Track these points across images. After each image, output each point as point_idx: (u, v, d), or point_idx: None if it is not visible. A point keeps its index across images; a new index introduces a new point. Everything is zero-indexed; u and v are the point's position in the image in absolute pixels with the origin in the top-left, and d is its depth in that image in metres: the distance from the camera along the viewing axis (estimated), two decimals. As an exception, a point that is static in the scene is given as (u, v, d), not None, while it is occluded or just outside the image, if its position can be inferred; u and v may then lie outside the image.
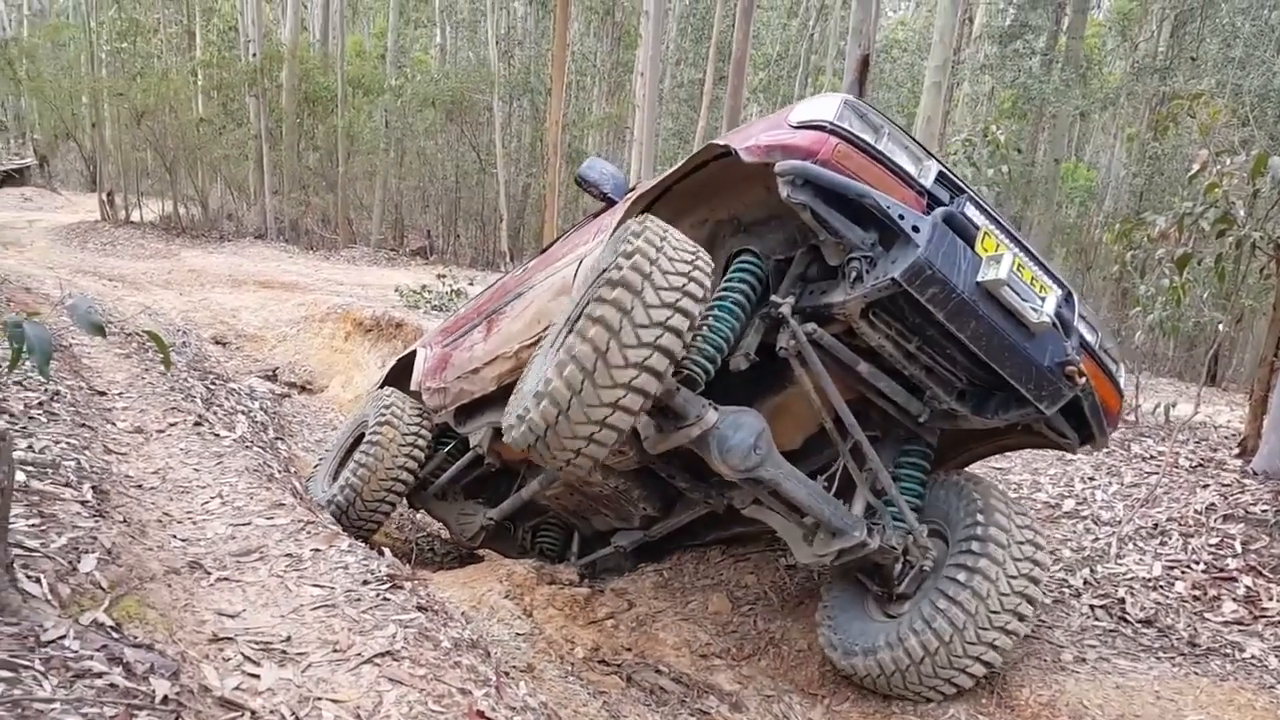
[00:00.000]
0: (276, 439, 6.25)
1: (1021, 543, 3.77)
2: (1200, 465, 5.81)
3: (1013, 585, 3.69)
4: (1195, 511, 5.19)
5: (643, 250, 3.23)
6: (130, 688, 1.98)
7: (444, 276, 14.39)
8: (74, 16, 30.10)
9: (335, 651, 2.59)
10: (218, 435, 4.97)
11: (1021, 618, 3.72)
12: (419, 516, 7.09)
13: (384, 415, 5.85)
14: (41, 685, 1.85)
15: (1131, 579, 4.71)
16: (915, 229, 3.20)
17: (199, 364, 7.25)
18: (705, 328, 3.68)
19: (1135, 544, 5.02)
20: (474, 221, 26.97)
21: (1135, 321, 7.12)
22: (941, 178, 3.53)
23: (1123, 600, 4.55)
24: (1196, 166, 5.71)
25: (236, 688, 2.31)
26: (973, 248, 3.32)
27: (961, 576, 3.73)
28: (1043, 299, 3.39)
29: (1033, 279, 3.42)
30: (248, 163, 24.38)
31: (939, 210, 3.33)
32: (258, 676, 2.39)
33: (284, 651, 2.56)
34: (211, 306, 12.99)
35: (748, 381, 3.94)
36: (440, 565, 6.40)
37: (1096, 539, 5.16)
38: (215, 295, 13.94)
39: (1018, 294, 3.31)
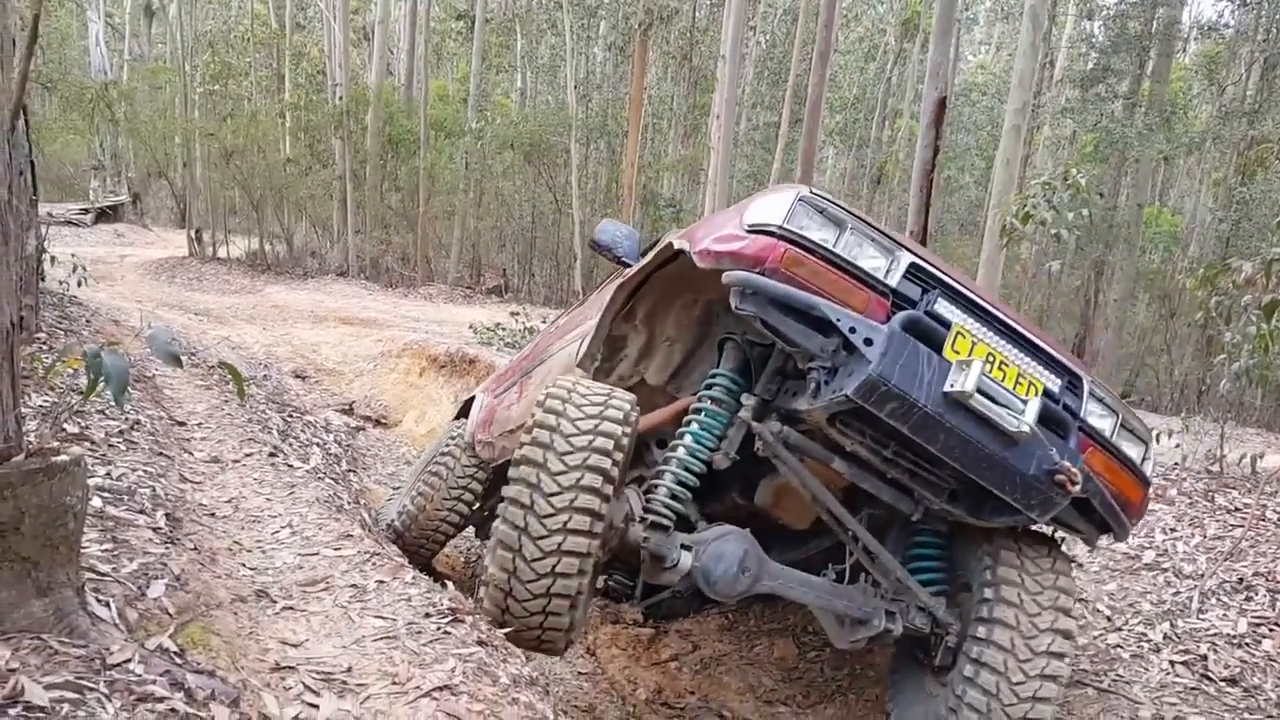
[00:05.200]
0: (349, 471, 6.33)
1: (1037, 593, 3.51)
2: (1289, 519, 5.60)
3: (1033, 646, 3.43)
4: (1283, 567, 4.99)
5: (543, 422, 3.17)
6: (190, 713, 2.00)
7: (518, 314, 14.52)
8: (171, 61, 31.24)
9: (394, 684, 2.60)
10: (291, 466, 5.05)
11: (1046, 698, 3.44)
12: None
13: (446, 447, 5.82)
14: (105, 708, 1.88)
15: (1215, 635, 4.53)
16: (868, 342, 2.99)
17: (278, 396, 7.40)
18: (673, 460, 3.59)
19: (1219, 599, 4.83)
20: (549, 261, 27.33)
21: (1221, 369, 6.89)
22: (913, 271, 3.28)
23: (1205, 657, 4.37)
24: (1285, 211, 5.55)
25: (295, 717, 2.33)
26: (940, 353, 3.07)
27: (975, 652, 3.49)
28: (1025, 402, 3.10)
29: (1019, 377, 3.17)
30: (332, 202, 25.07)
31: (898, 317, 3.07)
32: (316, 706, 2.41)
33: (344, 682, 2.58)
34: (293, 341, 13.29)
35: (750, 461, 3.74)
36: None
37: (1178, 592, 4.98)
38: (297, 330, 14.25)
39: (993, 400, 3.03)
